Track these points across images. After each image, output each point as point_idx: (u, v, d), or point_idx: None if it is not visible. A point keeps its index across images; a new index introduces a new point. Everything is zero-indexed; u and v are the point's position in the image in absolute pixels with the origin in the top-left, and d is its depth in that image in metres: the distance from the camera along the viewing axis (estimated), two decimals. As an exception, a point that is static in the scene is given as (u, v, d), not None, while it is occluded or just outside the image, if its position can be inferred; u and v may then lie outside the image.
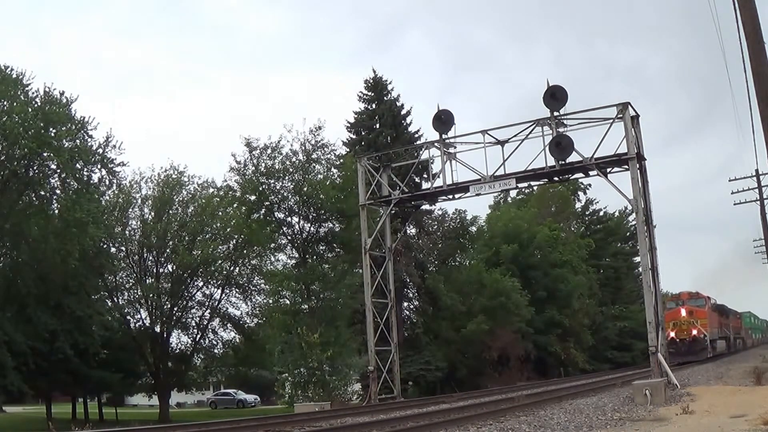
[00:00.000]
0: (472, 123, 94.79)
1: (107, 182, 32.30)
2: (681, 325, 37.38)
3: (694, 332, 36.76)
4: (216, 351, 41.33)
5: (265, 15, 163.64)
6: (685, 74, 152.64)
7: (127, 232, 37.58)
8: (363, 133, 39.93)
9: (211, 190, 37.65)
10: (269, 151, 30.81)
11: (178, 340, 40.56)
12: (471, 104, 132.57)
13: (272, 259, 35.90)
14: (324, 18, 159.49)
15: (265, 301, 37.15)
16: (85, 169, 29.95)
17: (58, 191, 29.86)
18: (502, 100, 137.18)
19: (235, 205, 34.17)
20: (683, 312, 37.87)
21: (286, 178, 30.98)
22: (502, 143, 23.53)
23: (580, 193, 65.74)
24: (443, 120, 24.24)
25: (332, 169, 32.11)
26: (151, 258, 38.01)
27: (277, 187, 31.11)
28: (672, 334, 35.15)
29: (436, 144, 24.95)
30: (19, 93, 27.87)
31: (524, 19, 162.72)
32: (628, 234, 64.04)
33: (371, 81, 40.60)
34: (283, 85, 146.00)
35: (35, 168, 28.77)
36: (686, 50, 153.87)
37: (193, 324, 40.12)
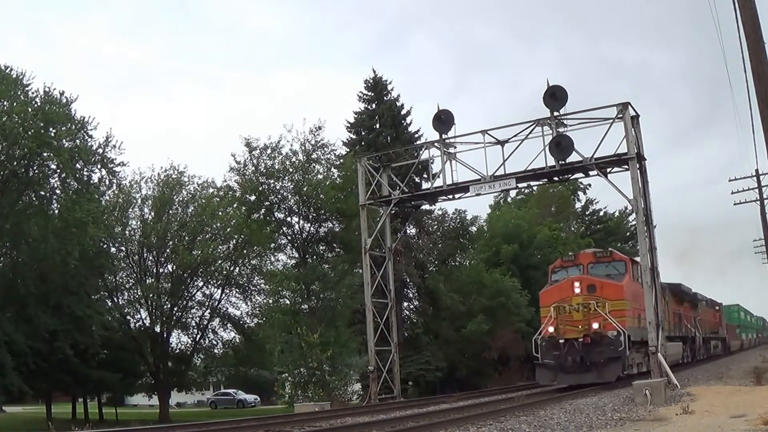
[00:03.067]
0: (478, 123, 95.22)
1: (107, 182, 32.35)
2: (570, 311, 21.61)
3: (596, 326, 20.98)
4: (216, 351, 41.37)
5: (266, 15, 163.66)
6: (690, 74, 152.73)
7: (127, 232, 37.58)
8: (363, 133, 39.90)
9: (211, 190, 37.67)
10: (269, 151, 30.82)
11: (178, 340, 40.63)
12: (476, 104, 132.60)
13: (272, 259, 35.94)
14: (329, 18, 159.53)
15: (265, 301, 37.15)
16: (85, 169, 29.99)
17: (58, 191, 29.87)
18: (507, 100, 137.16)
19: (235, 205, 34.17)
20: (577, 287, 21.86)
21: (286, 178, 30.96)
22: (502, 143, 23.53)
23: (580, 193, 65.74)
24: (443, 120, 24.25)
25: (332, 169, 32.12)
26: (151, 258, 38.00)
27: (277, 187, 31.10)
28: (551, 330, 21.63)
29: (436, 144, 24.95)
30: (19, 93, 27.89)
31: (530, 19, 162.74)
32: (628, 234, 64.01)
33: (371, 81, 40.57)
34: (286, 86, 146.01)
35: (35, 168, 28.78)
36: (691, 50, 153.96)
37: (193, 324, 40.15)
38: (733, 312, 52.58)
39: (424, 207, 32.87)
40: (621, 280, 22.77)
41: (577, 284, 22.01)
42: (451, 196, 25.89)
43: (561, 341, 21.45)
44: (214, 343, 41.06)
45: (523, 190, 53.08)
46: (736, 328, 52.81)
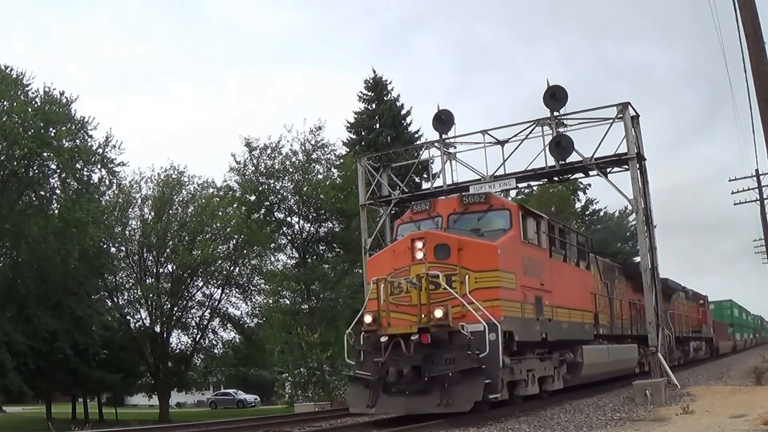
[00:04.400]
0: (480, 123, 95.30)
1: (107, 182, 32.41)
2: (405, 289, 13.54)
3: (439, 314, 12.79)
4: (216, 351, 41.38)
5: (267, 15, 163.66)
6: (690, 74, 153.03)
7: (127, 232, 37.61)
8: (363, 133, 39.96)
9: (211, 190, 37.70)
10: (269, 151, 30.86)
11: (178, 340, 40.64)
12: (478, 105, 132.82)
13: (272, 259, 35.95)
14: (330, 18, 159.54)
15: (265, 301, 37.17)
16: (85, 169, 30.04)
17: (58, 191, 29.93)
18: (510, 100, 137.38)
19: (235, 205, 34.19)
20: (419, 250, 13.45)
21: (286, 178, 30.99)
22: (502, 143, 23.52)
23: (580, 193, 65.73)
24: (443, 120, 24.24)
25: (332, 169, 32.13)
26: (151, 258, 38.02)
27: (277, 187, 31.12)
28: (368, 320, 13.63)
29: (436, 144, 24.94)
30: (19, 93, 27.92)
31: (532, 19, 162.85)
32: (628, 234, 64.03)
33: (371, 81, 40.64)
34: (286, 85, 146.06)
35: (35, 168, 28.82)
36: (692, 51, 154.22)
37: (193, 324, 40.17)
38: (725, 308, 47.34)
39: (424, 207, 32.80)
40: (497, 238, 13.92)
41: (418, 244, 13.19)
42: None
43: (383, 339, 13.00)
44: (214, 343, 41.11)
45: (523, 190, 53.08)
46: (727, 326, 45.96)
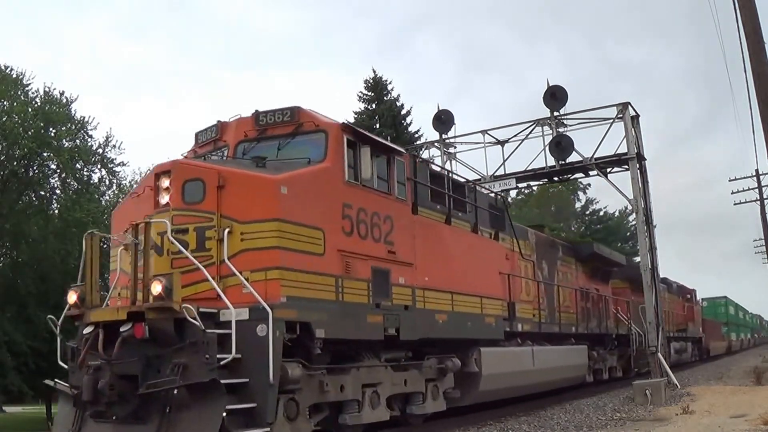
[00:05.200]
0: (481, 123, 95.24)
1: (107, 182, 32.34)
2: (136, 251, 8.07)
3: (157, 289, 7.55)
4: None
5: (267, 14, 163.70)
6: (691, 74, 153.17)
7: (127, 232, 37.57)
8: (363, 133, 39.98)
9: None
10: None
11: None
12: (479, 105, 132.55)
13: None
14: (330, 18, 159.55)
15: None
16: (85, 169, 30.00)
17: (58, 191, 29.90)
18: (510, 100, 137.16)
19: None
20: (165, 191, 8.51)
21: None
22: (502, 143, 23.55)
23: (580, 193, 65.81)
24: (443, 120, 24.30)
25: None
26: (151, 258, 37.98)
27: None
28: (72, 299, 8.47)
29: (436, 144, 24.97)
30: (19, 93, 27.92)
31: (533, 19, 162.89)
32: (628, 234, 64.05)
33: (371, 81, 40.63)
34: (286, 85, 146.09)
35: (35, 168, 28.81)
36: (692, 51, 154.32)
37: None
38: (718, 306, 44.17)
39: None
40: (294, 168, 9.23)
41: (164, 182, 8.74)
42: (451, 196, 25.66)
43: (87, 330, 8.39)
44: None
45: (523, 190, 53.18)
46: (721, 325, 42.62)
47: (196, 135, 10.96)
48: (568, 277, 19.02)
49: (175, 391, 7.46)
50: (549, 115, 22.24)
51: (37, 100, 28.25)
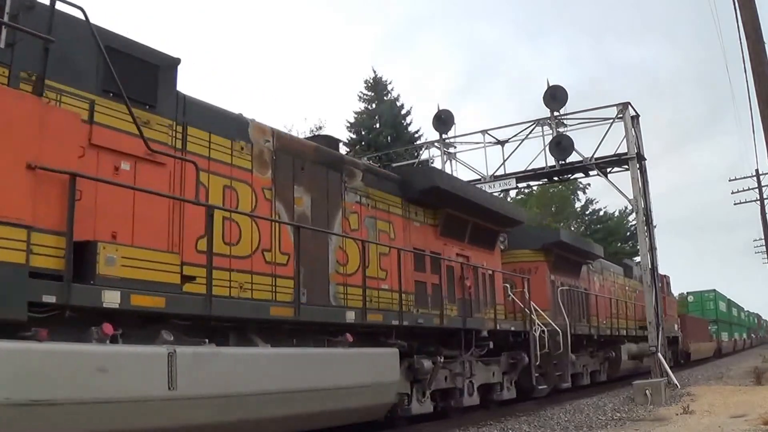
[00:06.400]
0: (483, 123, 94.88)
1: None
2: None
3: None
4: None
5: (268, 14, 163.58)
6: (691, 74, 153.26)
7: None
8: (363, 133, 39.97)
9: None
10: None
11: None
12: (480, 105, 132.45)
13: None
14: (331, 18, 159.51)
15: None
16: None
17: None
18: (511, 100, 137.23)
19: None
20: None
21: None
22: (502, 143, 23.57)
23: (580, 193, 65.84)
24: (443, 120, 24.31)
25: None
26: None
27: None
28: None
29: (436, 144, 24.98)
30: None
31: (535, 20, 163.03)
32: (628, 234, 64.08)
33: (371, 81, 40.67)
34: (286, 85, 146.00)
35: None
36: (693, 51, 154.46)
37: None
38: (706, 301, 38.56)
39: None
40: None
41: None
42: (451, 196, 25.65)
43: None
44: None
45: (523, 190, 53.17)
46: (708, 324, 36.09)
47: None
48: (376, 227, 11.38)
49: None
50: (549, 115, 22.28)
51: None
